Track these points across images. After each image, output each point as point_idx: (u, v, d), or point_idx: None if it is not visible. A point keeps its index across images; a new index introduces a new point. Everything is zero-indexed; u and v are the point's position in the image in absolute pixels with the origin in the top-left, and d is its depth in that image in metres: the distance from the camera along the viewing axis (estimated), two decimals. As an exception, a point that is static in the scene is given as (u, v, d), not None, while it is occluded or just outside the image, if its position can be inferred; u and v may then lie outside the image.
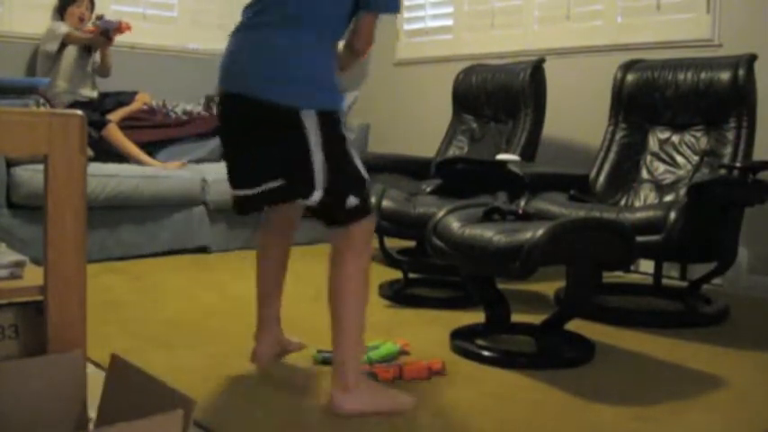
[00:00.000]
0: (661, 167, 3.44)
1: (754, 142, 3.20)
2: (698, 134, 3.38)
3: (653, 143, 3.51)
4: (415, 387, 2.16)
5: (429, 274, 3.45)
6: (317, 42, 1.98)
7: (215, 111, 4.58)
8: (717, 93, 3.28)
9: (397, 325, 2.83)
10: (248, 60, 1.98)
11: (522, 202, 3.17)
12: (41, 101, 3.94)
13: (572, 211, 3.02)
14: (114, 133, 4.19)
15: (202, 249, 4.20)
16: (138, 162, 4.18)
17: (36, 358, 1.48)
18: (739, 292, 3.53)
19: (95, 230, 3.75)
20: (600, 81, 3.86)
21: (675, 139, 3.45)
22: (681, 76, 3.40)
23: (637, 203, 3.38)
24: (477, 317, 2.72)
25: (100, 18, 4.31)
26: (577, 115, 4.19)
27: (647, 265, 3.66)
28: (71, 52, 4.30)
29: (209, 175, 4.19)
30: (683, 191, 3.16)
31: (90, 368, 1.66)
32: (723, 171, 3.09)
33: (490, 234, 2.38)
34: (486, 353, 2.45)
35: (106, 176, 3.85)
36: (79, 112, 1.50)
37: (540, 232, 2.25)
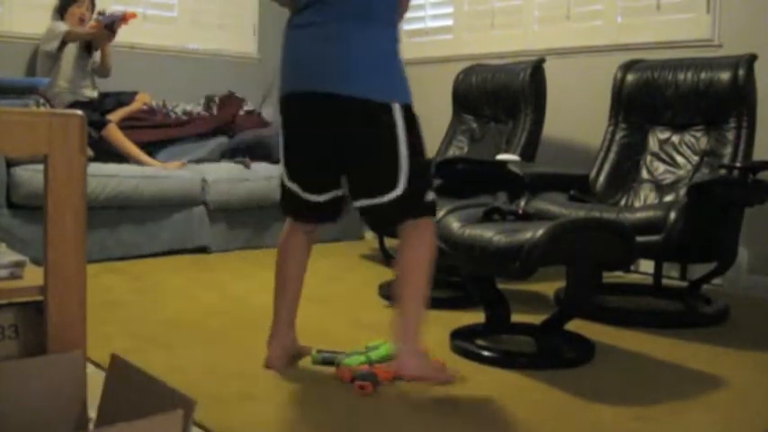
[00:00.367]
0: (661, 167, 3.44)
1: (754, 142, 3.20)
2: (698, 134, 3.38)
3: (653, 143, 3.51)
4: (415, 387, 2.16)
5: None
6: (386, 30, 1.94)
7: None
8: (717, 93, 3.28)
9: (397, 325, 2.83)
10: (322, 58, 1.91)
11: (522, 203, 3.17)
12: (41, 101, 3.93)
13: (572, 211, 3.02)
14: (114, 133, 4.19)
15: (202, 249, 4.20)
16: (138, 162, 4.18)
17: (36, 358, 1.48)
18: (739, 292, 3.53)
19: (95, 230, 3.75)
20: (600, 81, 3.86)
21: (675, 139, 3.45)
22: (681, 77, 3.40)
23: (637, 203, 3.38)
24: (477, 317, 2.72)
25: (102, 14, 4.31)
26: (577, 115, 4.19)
27: (647, 266, 3.66)
28: (71, 52, 4.29)
29: (209, 175, 4.19)
30: (683, 191, 3.16)
31: (90, 368, 1.66)
32: (723, 171, 3.09)
33: (490, 234, 2.38)
34: (486, 353, 2.45)
35: (106, 176, 3.85)
36: (79, 112, 1.50)
37: (540, 232, 2.25)
